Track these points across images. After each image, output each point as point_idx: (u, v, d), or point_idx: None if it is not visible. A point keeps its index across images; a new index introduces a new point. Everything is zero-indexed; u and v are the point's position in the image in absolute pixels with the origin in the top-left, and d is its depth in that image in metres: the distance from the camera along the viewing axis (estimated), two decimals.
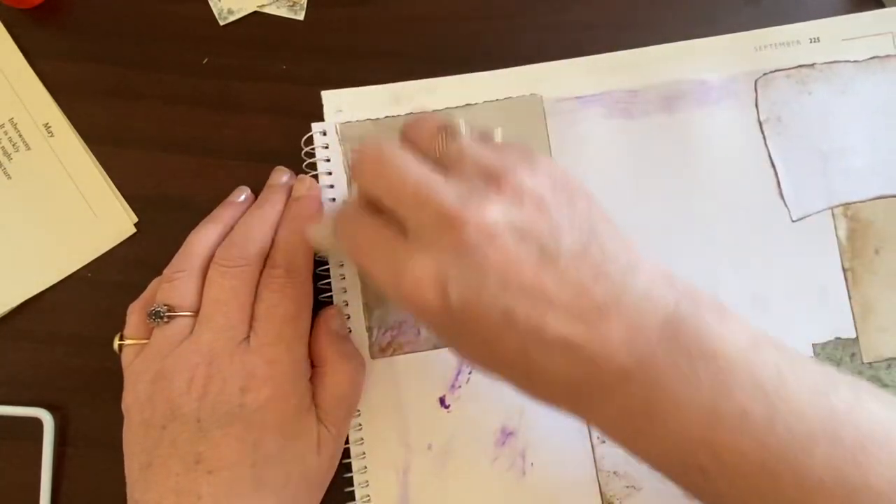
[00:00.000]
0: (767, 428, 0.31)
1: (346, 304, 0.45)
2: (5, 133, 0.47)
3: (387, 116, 0.46)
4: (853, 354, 0.45)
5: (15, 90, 0.47)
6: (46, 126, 0.47)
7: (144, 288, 0.43)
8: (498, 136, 0.39)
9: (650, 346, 0.32)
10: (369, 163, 0.36)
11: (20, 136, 0.47)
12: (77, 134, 0.47)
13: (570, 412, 0.35)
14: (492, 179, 0.33)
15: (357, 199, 0.37)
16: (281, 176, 0.45)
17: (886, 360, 0.45)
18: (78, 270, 0.46)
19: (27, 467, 0.44)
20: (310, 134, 0.46)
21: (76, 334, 0.45)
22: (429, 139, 0.37)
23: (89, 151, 0.47)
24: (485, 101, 0.46)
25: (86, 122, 0.47)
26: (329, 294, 0.45)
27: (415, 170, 0.34)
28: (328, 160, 0.45)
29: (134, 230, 0.46)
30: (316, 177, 0.45)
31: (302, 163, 0.45)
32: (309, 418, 0.41)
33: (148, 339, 0.41)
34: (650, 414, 0.32)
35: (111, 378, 0.43)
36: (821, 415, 0.32)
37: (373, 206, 0.36)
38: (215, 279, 0.41)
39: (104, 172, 0.46)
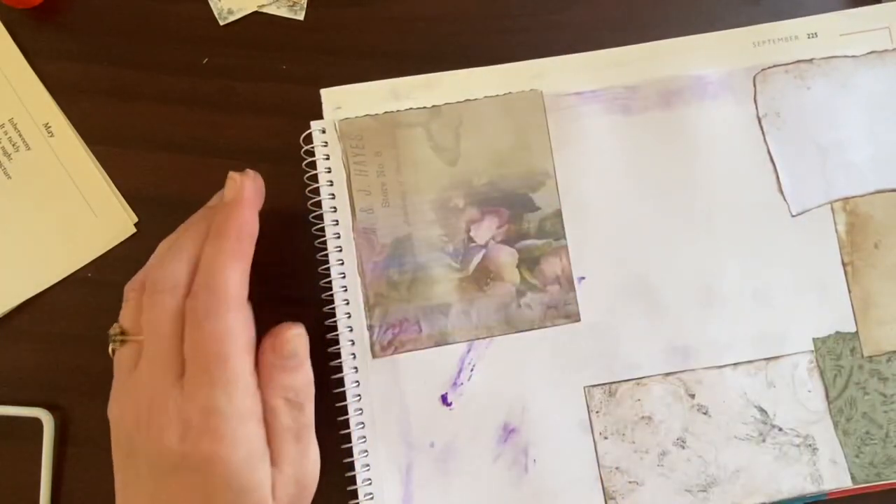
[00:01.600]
0: None
1: (347, 303, 0.45)
2: (5, 133, 0.47)
3: (386, 112, 0.46)
4: (853, 349, 0.45)
5: (15, 90, 0.47)
6: (46, 126, 0.47)
7: None
8: None
9: None
10: None
11: (20, 136, 0.47)
12: (77, 134, 0.47)
13: None
14: None
15: None
16: (232, 186, 0.40)
17: (887, 353, 0.45)
18: (78, 270, 0.46)
19: (27, 467, 0.44)
20: (308, 132, 0.46)
21: (76, 334, 0.45)
22: None
23: (89, 151, 0.47)
24: (485, 97, 0.46)
25: (86, 122, 0.47)
26: (330, 293, 0.45)
27: None
28: (327, 158, 0.45)
29: (134, 230, 0.46)
30: (315, 177, 0.45)
31: (302, 161, 0.45)
32: (262, 467, 0.37)
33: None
34: None
35: (111, 378, 0.42)
36: None
37: None
38: (145, 307, 0.38)
39: (104, 172, 0.47)
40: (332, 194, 0.45)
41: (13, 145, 0.47)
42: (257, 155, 0.46)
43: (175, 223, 0.44)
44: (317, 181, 0.45)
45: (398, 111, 0.46)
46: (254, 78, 0.47)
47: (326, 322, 0.44)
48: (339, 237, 0.45)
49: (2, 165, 0.46)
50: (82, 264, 0.46)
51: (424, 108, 0.46)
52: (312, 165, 0.45)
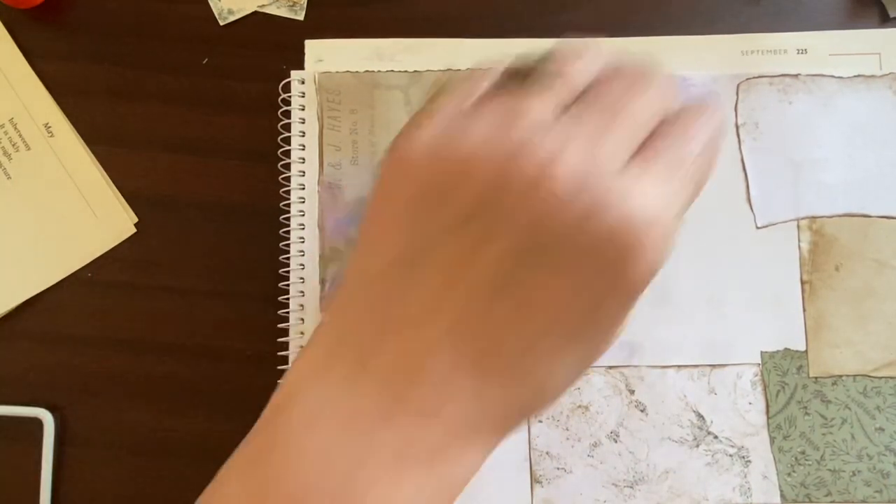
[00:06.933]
0: None
1: (302, 254, 0.45)
2: (5, 133, 0.46)
3: (367, 71, 0.46)
4: (800, 367, 0.45)
5: (15, 90, 0.46)
6: (46, 126, 0.46)
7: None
8: None
9: None
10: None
11: (20, 136, 0.46)
12: (77, 134, 0.46)
13: None
14: None
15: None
16: None
17: (833, 376, 0.45)
18: (78, 270, 0.46)
19: (27, 467, 0.44)
20: (287, 80, 0.46)
21: (76, 334, 0.45)
22: None
23: (89, 151, 0.46)
24: (468, 69, 0.46)
25: (86, 122, 0.47)
26: (287, 242, 0.45)
27: None
28: (302, 108, 0.46)
29: (134, 230, 0.46)
30: (288, 126, 0.46)
31: (277, 110, 0.46)
32: None
33: None
34: None
35: (111, 378, 0.43)
36: None
37: None
38: None
39: (104, 172, 0.46)
40: (303, 145, 0.46)
41: (13, 145, 0.46)
42: (257, 155, 0.46)
43: (175, 223, 0.45)
44: (289, 131, 0.45)
45: (379, 71, 0.46)
46: (254, 78, 0.47)
47: (280, 271, 0.45)
48: (303, 188, 0.45)
49: (2, 165, 0.46)
50: (82, 264, 0.46)
51: (406, 71, 0.46)
52: (287, 115, 0.46)
